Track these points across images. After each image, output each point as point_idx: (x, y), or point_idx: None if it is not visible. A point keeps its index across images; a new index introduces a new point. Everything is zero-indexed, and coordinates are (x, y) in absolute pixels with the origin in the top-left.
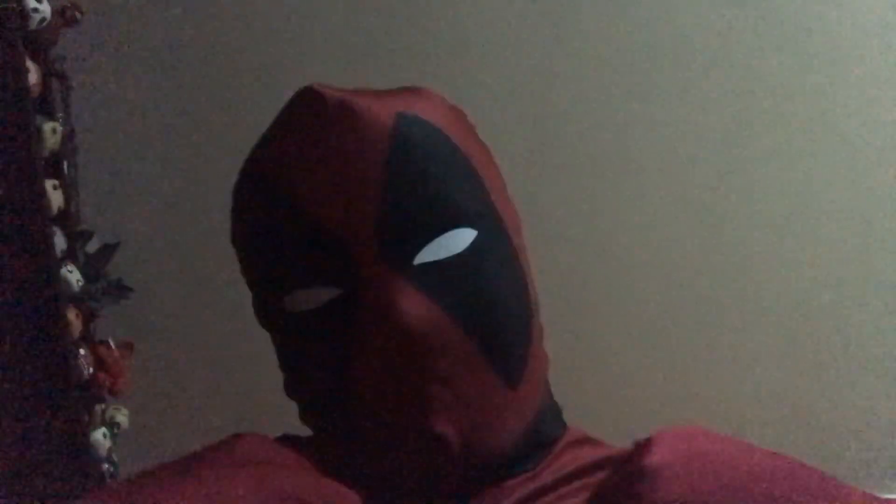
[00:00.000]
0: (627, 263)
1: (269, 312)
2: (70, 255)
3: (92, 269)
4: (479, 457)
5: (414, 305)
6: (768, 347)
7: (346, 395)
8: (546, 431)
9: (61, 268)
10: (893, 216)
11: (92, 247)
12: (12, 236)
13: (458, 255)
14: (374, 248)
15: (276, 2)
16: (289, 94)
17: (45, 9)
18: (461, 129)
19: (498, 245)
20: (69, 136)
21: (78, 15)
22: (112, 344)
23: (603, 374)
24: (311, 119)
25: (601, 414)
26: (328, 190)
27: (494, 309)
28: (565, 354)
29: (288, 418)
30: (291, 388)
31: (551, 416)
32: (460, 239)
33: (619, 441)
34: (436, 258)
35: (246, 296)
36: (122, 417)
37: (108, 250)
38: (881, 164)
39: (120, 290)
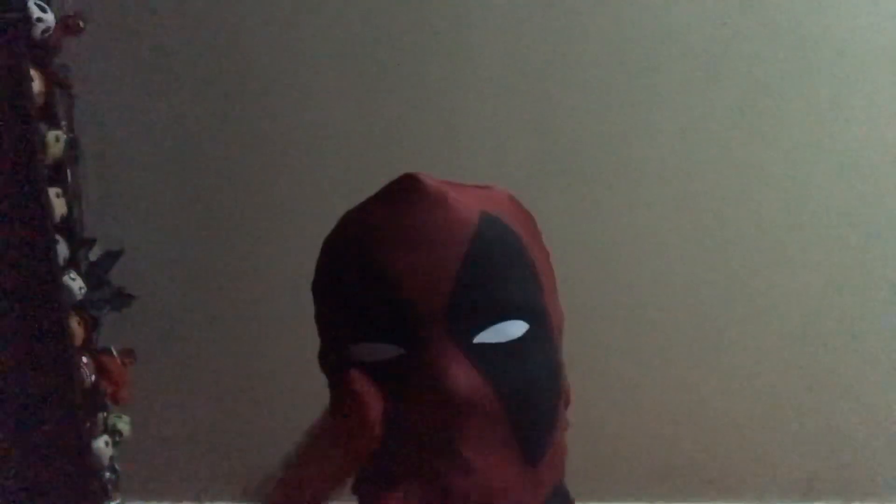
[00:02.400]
0: (629, 269)
1: (334, 358)
2: (73, 263)
3: (94, 277)
4: None
5: (464, 375)
6: (771, 352)
7: (389, 445)
8: None
9: (64, 275)
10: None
11: (94, 254)
12: (15, 243)
13: (511, 341)
14: (442, 321)
15: (280, 14)
16: (291, 103)
17: (49, 18)
18: (531, 233)
19: (543, 339)
20: (72, 145)
21: (81, 24)
22: (114, 352)
23: (604, 376)
24: (410, 199)
25: (601, 415)
26: (413, 263)
27: (531, 392)
28: (569, 361)
29: (287, 422)
30: None
31: (561, 500)
32: (514, 328)
33: (622, 444)
34: (491, 341)
35: (248, 302)
36: (124, 425)
37: (110, 258)
38: (883, 169)
39: (122, 297)
